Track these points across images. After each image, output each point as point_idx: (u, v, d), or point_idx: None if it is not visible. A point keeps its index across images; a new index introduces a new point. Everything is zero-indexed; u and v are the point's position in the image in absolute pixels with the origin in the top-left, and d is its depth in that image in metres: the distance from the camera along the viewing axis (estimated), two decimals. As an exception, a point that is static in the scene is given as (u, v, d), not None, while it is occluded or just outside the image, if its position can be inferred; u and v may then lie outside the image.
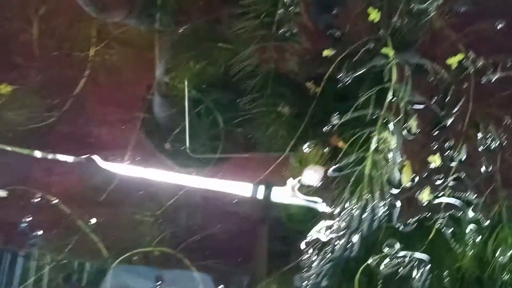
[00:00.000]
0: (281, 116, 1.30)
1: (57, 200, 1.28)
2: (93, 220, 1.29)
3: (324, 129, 1.24)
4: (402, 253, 1.26)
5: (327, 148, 1.28)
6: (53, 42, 1.31)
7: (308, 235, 1.27)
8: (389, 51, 1.21)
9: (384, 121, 1.20)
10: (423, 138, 1.28)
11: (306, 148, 1.25)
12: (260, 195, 1.32)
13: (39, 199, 1.27)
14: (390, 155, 1.22)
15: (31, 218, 1.27)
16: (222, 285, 1.29)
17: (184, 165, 1.34)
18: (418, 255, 1.24)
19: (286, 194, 1.29)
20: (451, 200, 1.28)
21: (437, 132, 1.28)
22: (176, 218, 1.33)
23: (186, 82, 1.30)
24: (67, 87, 1.32)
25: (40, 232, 1.28)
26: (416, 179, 1.28)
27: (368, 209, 1.24)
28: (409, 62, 1.22)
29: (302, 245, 1.28)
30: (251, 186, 1.32)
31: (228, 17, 1.29)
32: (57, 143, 1.30)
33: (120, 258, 1.29)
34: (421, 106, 1.26)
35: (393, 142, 1.19)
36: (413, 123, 1.24)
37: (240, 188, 1.32)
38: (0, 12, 1.30)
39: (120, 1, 1.30)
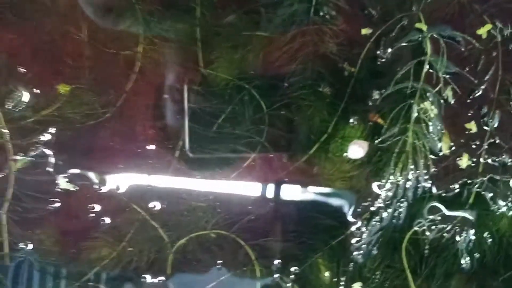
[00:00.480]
0: (321, 97, 1.37)
1: (120, 191, 1.36)
2: (158, 206, 1.38)
3: (367, 104, 1.31)
4: (447, 216, 1.34)
5: (368, 124, 1.35)
6: (101, 42, 1.38)
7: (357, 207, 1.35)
8: (422, 26, 1.28)
9: (422, 92, 1.28)
10: (459, 107, 1.35)
11: (352, 123, 1.32)
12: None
13: (105, 190, 1.36)
14: (430, 125, 1.29)
15: (98, 208, 1.36)
16: (278, 261, 1.37)
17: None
18: (462, 214, 1.31)
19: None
20: (489, 164, 1.35)
21: (471, 100, 1.36)
22: (228, 202, 1.41)
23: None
24: (118, 84, 1.39)
25: (107, 220, 1.37)
26: (454, 146, 1.36)
27: (412, 178, 1.31)
28: (441, 35, 1.29)
29: (350, 217, 1.37)
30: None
31: (265, 7, 1.37)
32: (114, 137, 1.39)
33: (180, 242, 1.38)
34: (455, 76, 1.34)
35: (432, 112, 1.26)
36: (449, 93, 1.31)
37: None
38: (50, 16, 1.37)
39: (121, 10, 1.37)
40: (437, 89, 1.24)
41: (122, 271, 1.38)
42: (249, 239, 1.39)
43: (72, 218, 1.36)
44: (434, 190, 1.35)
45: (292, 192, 1.40)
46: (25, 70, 1.34)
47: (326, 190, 1.39)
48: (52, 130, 1.35)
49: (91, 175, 1.36)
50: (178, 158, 1.38)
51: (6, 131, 1.32)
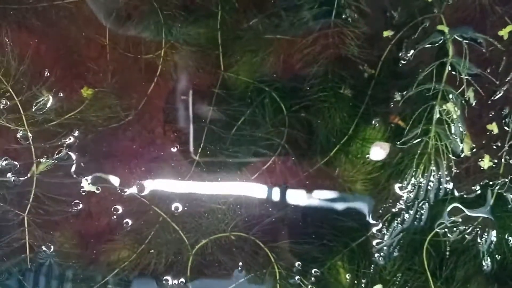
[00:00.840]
0: (342, 99, 1.38)
1: (141, 193, 1.37)
2: (180, 208, 1.38)
3: (388, 106, 1.31)
4: (468, 217, 1.33)
5: (389, 125, 1.35)
6: (123, 46, 1.39)
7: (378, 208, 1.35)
8: (444, 28, 1.28)
9: (444, 94, 1.28)
10: (480, 108, 1.35)
11: (373, 125, 1.33)
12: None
13: (127, 193, 1.37)
14: (452, 126, 1.29)
15: (119, 211, 1.37)
16: (299, 263, 1.37)
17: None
18: (484, 214, 1.31)
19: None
20: (510, 165, 1.35)
21: (493, 101, 1.36)
22: (247, 204, 1.41)
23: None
24: (140, 87, 1.40)
25: (129, 221, 1.37)
26: (476, 147, 1.36)
27: (434, 179, 1.31)
28: (463, 37, 1.30)
29: (371, 219, 1.36)
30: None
31: (285, 9, 1.37)
32: (135, 140, 1.40)
33: (200, 244, 1.38)
34: (477, 77, 1.34)
35: (456, 113, 1.26)
36: (470, 94, 1.31)
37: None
38: (74, 22, 1.39)
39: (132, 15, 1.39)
40: (460, 90, 1.24)
41: (142, 273, 1.39)
42: (268, 241, 1.39)
43: (93, 220, 1.37)
44: (455, 191, 1.35)
45: (312, 194, 1.41)
46: (49, 74, 1.36)
47: (347, 192, 1.40)
48: (75, 133, 1.37)
49: (113, 177, 1.37)
50: (198, 160, 1.40)
51: (30, 134, 1.34)
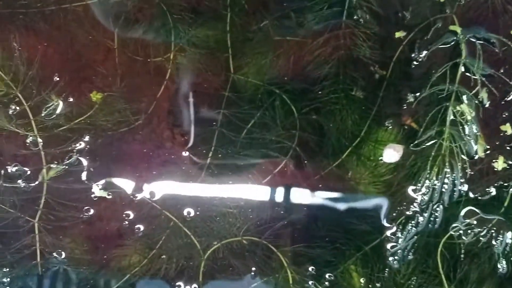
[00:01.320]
0: (353, 101, 1.36)
1: (152, 198, 1.36)
2: (191, 213, 1.36)
3: (400, 107, 1.30)
4: (483, 219, 1.32)
5: (402, 127, 1.34)
6: (132, 50, 1.38)
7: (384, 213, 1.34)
8: (456, 28, 1.27)
9: (458, 95, 1.26)
10: (494, 108, 1.34)
11: (385, 127, 1.31)
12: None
13: (138, 198, 1.36)
14: (466, 128, 1.28)
15: (131, 216, 1.36)
16: (312, 267, 1.35)
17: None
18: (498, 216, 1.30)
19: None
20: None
21: (506, 101, 1.34)
22: (259, 208, 1.40)
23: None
24: (149, 91, 1.39)
25: (140, 227, 1.36)
26: (489, 148, 1.34)
27: (448, 181, 1.30)
28: (476, 37, 1.28)
29: (384, 222, 1.35)
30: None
31: (295, 11, 1.36)
32: (146, 144, 1.39)
33: (212, 249, 1.37)
34: (489, 78, 1.33)
35: (470, 114, 1.24)
36: (484, 95, 1.30)
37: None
38: (82, 25, 1.38)
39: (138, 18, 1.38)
40: (474, 91, 1.23)
41: (153, 279, 1.37)
42: (281, 246, 1.38)
43: (104, 225, 1.35)
44: (469, 193, 1.34)
45: (324, 197, 1.39)
46: (58, 79, 1.35)
47: (360, 194, 1.38)
48: (85, 138, 1.35)
49: (124, 182, 1.36)
50: (209, 164, 1.39)
51: (39, 140, 1.33)
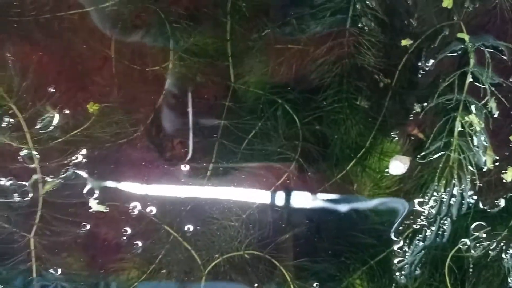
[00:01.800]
0: (358, 110, 1.33)
1: (151, 212, 1.32)
2: (192, 227, 1.33)
3: (406, 117, 1.26)
4: (491, 233, 1.28)
5: (408, 138, 1.30)
6: (130, 59, 1.34)
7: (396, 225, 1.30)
8: (464, 35, 1.23)
9: (466, 104, 1.23)
10: (503, 118, 1.30)
11: (391, 138, 1.27)
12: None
13: (136, 212, 1.32)
14: (475, 138, 1.24)
15: (130, 230, 1.32)
16: (316, 283, 1.32)
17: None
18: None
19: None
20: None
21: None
22: (261, 221, 1.36)
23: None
24: (148, 101, 1.35)
25: (139, 243, 1.32)
26: (498, 159, 1.30)
27: (456, 193, 1.26)
28: (484, 45, 1.24)
29: (392, 236, 1.31)
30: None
31: (297, 18, 1.33)
32: (144, 156, 1.35)
33: (213, 263, 1.33)
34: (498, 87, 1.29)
35: (480, 125, 1.20)
36: (492, 105, 1.26)
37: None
38: (78, 34, 1.34)
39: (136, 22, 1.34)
40: (484, 101, 1.19)
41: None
42: (284, 260, 1.34)
43: (102, 240, 1.31)
44: (478, 205, 1.30)
45: (328, 210, 1.35)
46: (53, 90, 1.31)
47: (365, 207, 1.35)
48: (81, 150, 1.31)
49: (122, 195, 1.32)
50: (210, 176, 1.35)
51: (35, 153, 1.29)
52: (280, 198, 1.35)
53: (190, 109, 1.36)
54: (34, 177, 1.27)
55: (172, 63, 1.35)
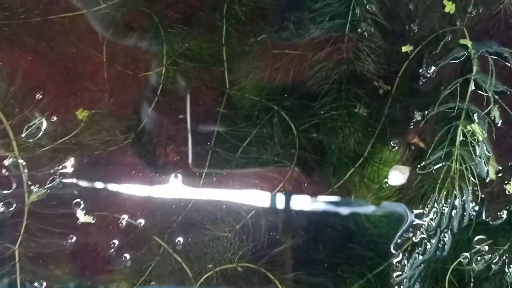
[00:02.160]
0: (356, 118, 1.29)
1: (141, 223, 1.27)
2: (183, 238, 1.28)
3: (406, 126, 1.22)
4: (493, 246, 1.24)
5: (407, 147, 1.26)
6: (121, 63, 1.31)
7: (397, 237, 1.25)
8: (467, 42, 1.19)
9: (468, 113, 1.18)
10: (506, 127, 1.26)
11: (390, 147, 1.23)
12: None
13: (124, 223, 1.27)
14: (477, 148, 1.20)
15: (117, 243, 1.27)
16: (312, 297, 1.27)
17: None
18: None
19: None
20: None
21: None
22: (255, 232, 1.32)
23: (184, 109, 1.31)
24: (139, 107, 1.31)
25: (127, 256, 1.27)
26: (501, 170, 1.26)
27: (457, 205, 1.21)
28: (488, 51, 1.20)
29: (391, 249, 1.26)
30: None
31: (295, 23, 1.29)
32: (135, 164, 1.31)
33: (205, 276, 1.28)
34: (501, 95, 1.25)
35: (482, 134, 1.16)
36: (496, 113, 1.22)
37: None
38: (68, 38, 1.30)
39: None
40: (487, 110, 1.15)
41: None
42: (279, 273, 1.29)
43: (90, 252, 1.27)
44: (480, 217, 1.26)
45: (326, 221, 1.31)
46: (41, 96, 1.27)
47: (363, 219, 1.30)
48: (70, 158, 1.27)
49: (111, 205, 1.27)
50: (203, 185, 1.31)
51: (21, 161, 1.24)
52: (275, 209, 1.30)
53: (186, 115, 1.32)
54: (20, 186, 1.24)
55: (165, 69, 1.32)
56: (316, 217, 1.31)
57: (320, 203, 1.31)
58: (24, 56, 1.30)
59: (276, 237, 1.30)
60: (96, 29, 1.30)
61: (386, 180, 1.25)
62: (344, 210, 1.30)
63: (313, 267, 1.30)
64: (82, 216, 1.24)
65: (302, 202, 1.31)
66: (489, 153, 1.22)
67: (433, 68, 1.22)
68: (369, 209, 1.28)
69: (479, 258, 1.25)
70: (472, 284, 1.26)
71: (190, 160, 1.31)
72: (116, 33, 1.30)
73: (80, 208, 1.25)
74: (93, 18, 1.32)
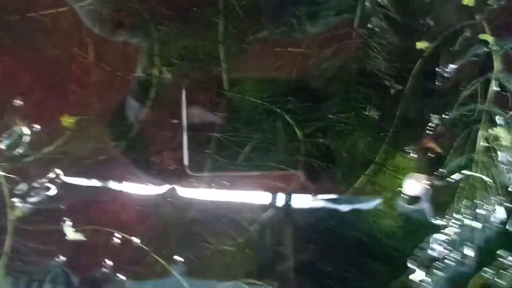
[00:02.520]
0: (366, 121, 1.20)
1: (136, 240, 1.18)
2: (181, 255, 1.20)
3: (422, 129, 1.14)
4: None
5: (423, 152, 1.18)
6: (110, 64, 1.22)
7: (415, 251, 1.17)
8: (488, 37, 1.10)
9: (490, 115, 1.10)
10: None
11: (403, 152, 1.15)
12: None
13: (118, 239, 1.18)
14: (499, 154, 1.11)
15: (111, 261, 1.19)
16: (320, 315, 1.19)
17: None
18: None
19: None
20: None
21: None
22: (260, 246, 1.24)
23: (179, 113, 1.23)
24: (130, 111, 1.22)
25: (122, 276, 1.18)
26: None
27: (480, 216, 1.13)
28: (511, 47, 1.12)
29: (409, 263, 1.18)
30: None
31: (298, 18, 1.20)
32: (125, 173, 1.22)
33: (208, 294, 1.21)
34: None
35: (505, 140, 1.07)
36: (519, 115, 1.13)
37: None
38: (51, 36, 1.21)
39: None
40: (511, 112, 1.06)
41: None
42: (285, 288, 1.23)
43: (79, 272, 1.19)
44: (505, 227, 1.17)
45: (335, 233, 1.22)
46: (23, 102, 1.18)
47: (375, 230, 1.22)
48: (56, 170, 1.18)
49: (102, 220, 1.19)
50: (202, 195, 1.22)
51: (2, 173, 1.15)
52: (280, 221, 1.23)
53: (182, 120, 1.24)
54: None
55: (158, 69, 1.24)
56: (325, 228, 1.23)
57: (328, 213, 1.23)
58: (2, 58, 1.20)
59: (282, 252, 1.23)
60: (82, 27, 1.21)
61: (399, 188, 1.17)
62: (354, 222, 1.23)
63: (321, 282, 1.23)
64: (70, 233, 1.15)
65: (309, 212, 1.24)
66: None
67: (450, 66, 1.14)
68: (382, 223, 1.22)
69: (504, 272, 1.17)
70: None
71: (187, 169, 1.23)
72: (104, 31, 1.21)
73: (69, 224, 1.17)
74: (78, 15, 1.23)
